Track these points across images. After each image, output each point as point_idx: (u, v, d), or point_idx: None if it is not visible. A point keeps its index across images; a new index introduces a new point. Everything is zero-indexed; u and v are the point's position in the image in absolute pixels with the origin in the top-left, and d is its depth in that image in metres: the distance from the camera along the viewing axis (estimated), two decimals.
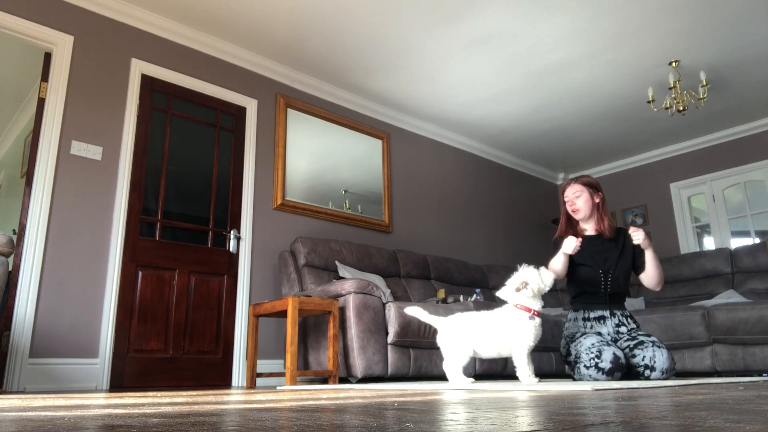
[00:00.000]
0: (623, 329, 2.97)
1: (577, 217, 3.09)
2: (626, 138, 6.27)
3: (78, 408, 1.38)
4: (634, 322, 3.03)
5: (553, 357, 4.45)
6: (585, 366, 2.74)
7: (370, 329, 3.49)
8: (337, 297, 3.61)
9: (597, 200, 3.08)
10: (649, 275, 2.96)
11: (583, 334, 2.93)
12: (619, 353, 2.71)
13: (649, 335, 2.89)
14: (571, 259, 2.97)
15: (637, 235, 2.87)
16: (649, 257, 2.95)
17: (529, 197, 6.93)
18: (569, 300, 3.18)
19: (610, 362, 2.67)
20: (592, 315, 3.01)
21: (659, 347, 2.76)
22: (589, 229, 3.11)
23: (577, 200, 3.06)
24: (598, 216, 3.08)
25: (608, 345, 2.75)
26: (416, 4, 3.92)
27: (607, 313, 3.00)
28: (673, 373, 2.78)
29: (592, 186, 3.09)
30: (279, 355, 4.14)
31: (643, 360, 2.75)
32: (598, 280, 2.99)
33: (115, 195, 3.65)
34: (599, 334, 2.93)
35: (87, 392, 2.76)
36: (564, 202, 3.15)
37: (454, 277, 5.17)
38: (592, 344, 2.78)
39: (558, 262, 2.92)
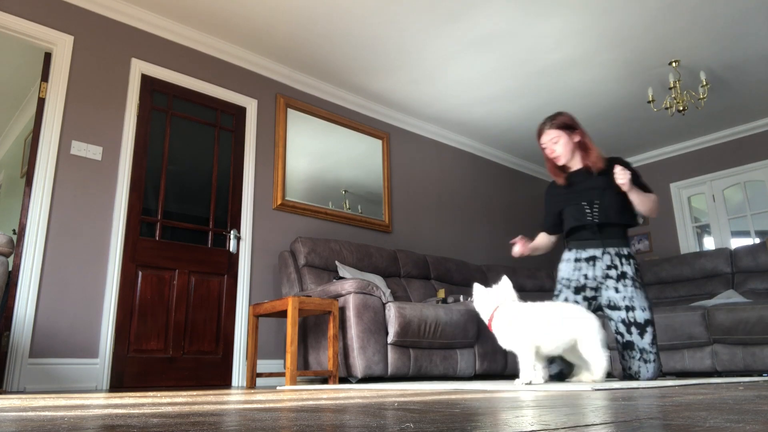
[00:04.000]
0: (613, 272, 2.82)
1: (559, 163, 2.96)
2: (626, 138, 6.27)
3: (78, 408, 1.38)
4: (629, 264, 2.84)
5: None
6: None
7: (370, 329, 3.49)
8: (337, 297, 3.60)
9: (576, 139, 2.93)
10: (638, 208, 2.82)
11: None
12: (566, 370, 2.77)
13: (641, 330, 2.73)
14: (558, 201, 3.00)
15: (622, 177, 2.69)
16: (634, 198, 2.78)
17: (529, 197, 6.93)
18: (564, 239, 3.06)
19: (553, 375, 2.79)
20: (584, 255, 2.89)
21: (646, 362, 2.70)
22: (575, 165, 2.99)
23: (555, 146, 2.93)
24: (582, 153, 2.94)
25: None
26: (416, 4, 3.92)
27: (599, 253, 2.86)
28: (656, 377, 2.76)
29: (568, 126, 2.94)
30: (279, 355, 4.14)
31: (629, 369, 2.77)
32: (583, 212, 2.88)
33: (115, 195, 3.65)
34: (585, 277, 2.85)
35: (87, 392, 2.76)
36: (543, 149, 3.01)
37: (454, 277, 5.17)
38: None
39: (538, 240, 3.10)
